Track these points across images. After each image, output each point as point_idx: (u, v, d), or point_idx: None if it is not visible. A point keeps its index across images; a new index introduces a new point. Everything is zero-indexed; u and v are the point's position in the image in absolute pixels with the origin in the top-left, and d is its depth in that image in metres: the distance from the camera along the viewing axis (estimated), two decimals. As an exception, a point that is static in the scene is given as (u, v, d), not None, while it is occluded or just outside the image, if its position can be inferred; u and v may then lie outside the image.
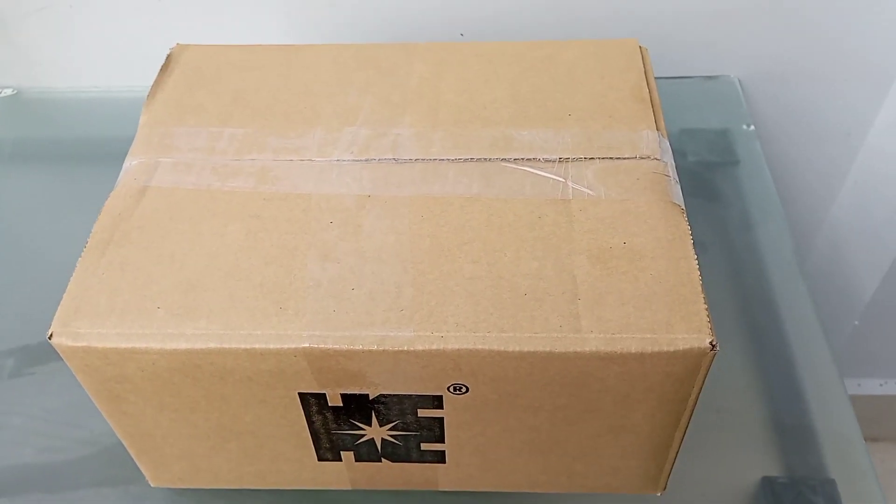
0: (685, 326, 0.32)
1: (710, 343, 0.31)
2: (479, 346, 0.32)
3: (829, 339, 0.49)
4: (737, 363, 0.48)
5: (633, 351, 0.31)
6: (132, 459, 0.40)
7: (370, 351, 0.32)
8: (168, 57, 0.45)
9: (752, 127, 0.62)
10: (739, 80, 0.66)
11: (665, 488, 0.41)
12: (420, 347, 0.32)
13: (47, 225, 0.57)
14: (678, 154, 0.60)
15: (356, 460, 0.39)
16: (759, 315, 0.51)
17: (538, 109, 0.41)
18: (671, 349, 0.31)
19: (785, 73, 0.65)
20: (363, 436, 0.37)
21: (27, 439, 0.45)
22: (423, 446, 0.38)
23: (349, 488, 0.42)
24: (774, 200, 0.57)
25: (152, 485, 0.42)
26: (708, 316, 0.32)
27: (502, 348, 0.32)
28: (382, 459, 0.39)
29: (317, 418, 0.36)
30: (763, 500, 0.42)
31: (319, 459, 0.39)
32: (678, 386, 0.33)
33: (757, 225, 0.56)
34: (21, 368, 0.48)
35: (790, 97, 0.67)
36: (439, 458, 0.39)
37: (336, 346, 0.32)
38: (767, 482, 0.43)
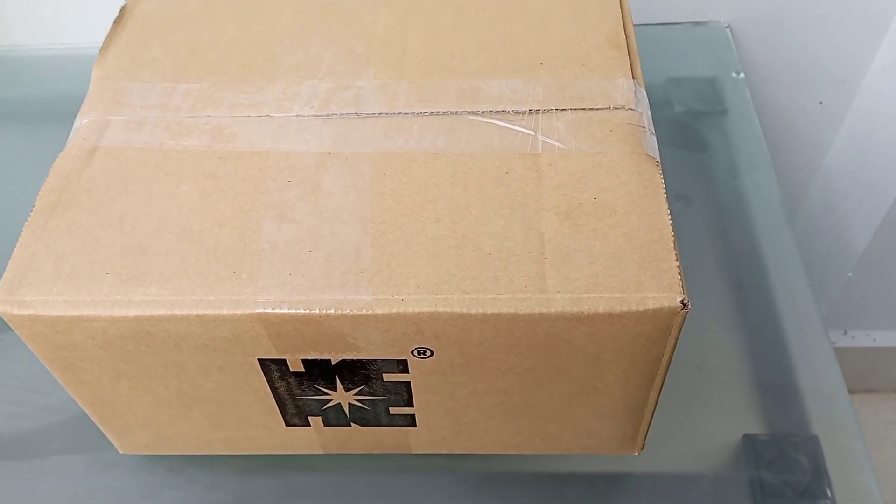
0: (656, 285, 0.30)
1: (682, 302, 0.30)
2: (441, 309, 0.30)
3: (815, 293, 0.48)
4: (720, 319, 0.47)
5: (601, 311, 0.30)
6: (100, 427, 0.40)
7: (327, 315, 0.31)
8: (122, 9, 0.43)
9: (742, 74, 0.60)
10: (729, 26, 0.63)
11: (643, 447, 0.40)
12: (380, 311, 0.30)
13: (14, 186, 0.55)
14: (664, 103, 0.58)
15: (325, 425, 0.38)
16: (744, 269, 0.49)
17: (508, 58, 0.39)
18: (641, 309, 0.30)
19: (777, 17, 0.63)
20: (329, 401, 0.36)
21: (-6, 407, 0.45)
22: (392, 410, 0.37)
23: (321, 452, 0.41)
24: (763, 150, 0.55)
25: (120, 451, 0.42)
26: (680, 274, 0.31)
27: (465, 311, 0.30)
28: (352, 424, 0.38)
29: (280, 384, 0.35)
30: (744, 458, 0.42)
31: (287, 425, 0.38)
32: (650, 346, 0.32)
33: (744, 176, 0.54)
34: (-14, 335, 0.47)
35: (782, 43, 0.64)
36: (410, 421, 0.38)
37: (292, 311, 0.31)
38: (749, 440, 0.42)
